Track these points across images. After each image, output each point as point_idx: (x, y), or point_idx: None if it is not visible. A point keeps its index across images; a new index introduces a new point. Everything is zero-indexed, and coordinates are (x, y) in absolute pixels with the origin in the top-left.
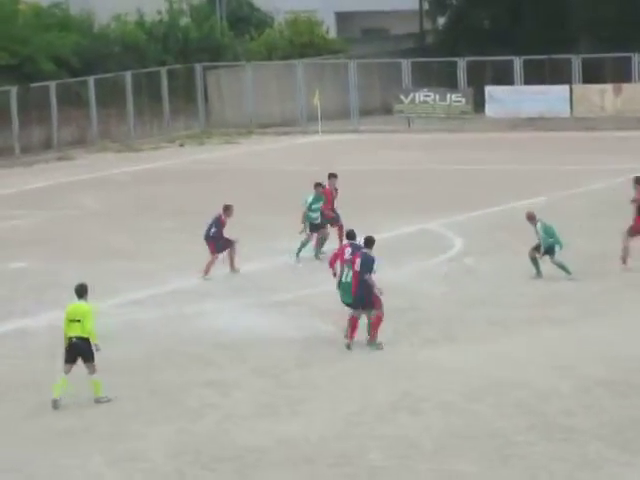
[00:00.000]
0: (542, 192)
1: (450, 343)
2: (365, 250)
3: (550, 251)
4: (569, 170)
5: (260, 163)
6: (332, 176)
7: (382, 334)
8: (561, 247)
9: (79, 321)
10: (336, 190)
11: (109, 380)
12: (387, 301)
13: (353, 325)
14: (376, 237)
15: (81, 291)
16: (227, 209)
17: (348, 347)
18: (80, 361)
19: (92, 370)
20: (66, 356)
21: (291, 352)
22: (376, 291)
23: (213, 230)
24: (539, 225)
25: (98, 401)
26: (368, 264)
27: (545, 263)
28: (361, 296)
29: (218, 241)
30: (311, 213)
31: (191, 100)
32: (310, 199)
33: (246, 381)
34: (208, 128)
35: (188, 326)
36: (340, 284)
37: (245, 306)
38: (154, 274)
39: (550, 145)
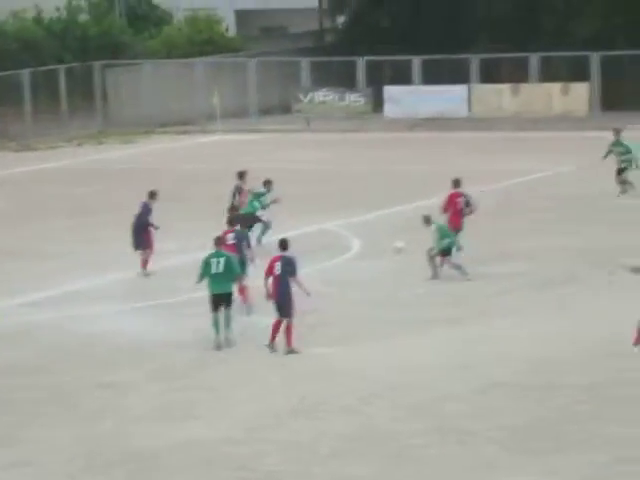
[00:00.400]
0: (439, 192)
1: (348, 345)
2: (283, 253)
3: (446, 252)
4: (467, 170)
5: (159, 163)
6: (242, 174)
7: (283, 337)
8: (457, 248)
9: None
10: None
11: (5, 382)
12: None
13: (276, 328)
14: (274, 237)
15: None
16: (153, 195)
17: (271, 349)
18: None
19: None
20: None
21: (188, 355)
22: (305, 291)
23: (148, 218)
24: (434, 226)
25: None
26: (292, 266)
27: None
28: (283, 301)
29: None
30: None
31: (90, 99)
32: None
33: (142, 384)
34: (107, 127)
35: (84, 328)
36: (211, 276)
37: (141, 308)
38: (49, 275)
39: (448, 145)
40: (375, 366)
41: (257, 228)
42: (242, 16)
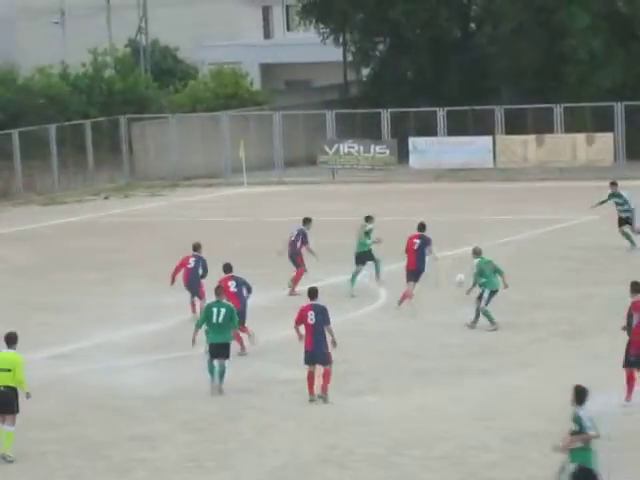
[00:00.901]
0: (467, 242)
1: (377, 395)
2: (315, 302)
3: (483, 294)
4: (493, 220)
5: (185, 215)
6: (307, 221)
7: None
8: (492, 289)
9: (9, 370)
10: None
11: (35, 435)
12: None
13: (311, 379)
14: (303, 288)
15: (10, 340)
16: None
17: (312, 400)
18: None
19: (12, 422)
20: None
21: (217, 405)
22: (330, 343)
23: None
24: (477, 261)
25: (4, 458)
26: (325, 315)
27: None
28: (320, 350)
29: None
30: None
31: (116, 152)
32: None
33: (173, 435)
34: (133, 181)
35: (113, 380)
36: (211, 325)
37: (171, 360)
38: (79, 328)
39: (474, 195)
40: (403, 415)
41: (368, 266)
42: (267, 70)
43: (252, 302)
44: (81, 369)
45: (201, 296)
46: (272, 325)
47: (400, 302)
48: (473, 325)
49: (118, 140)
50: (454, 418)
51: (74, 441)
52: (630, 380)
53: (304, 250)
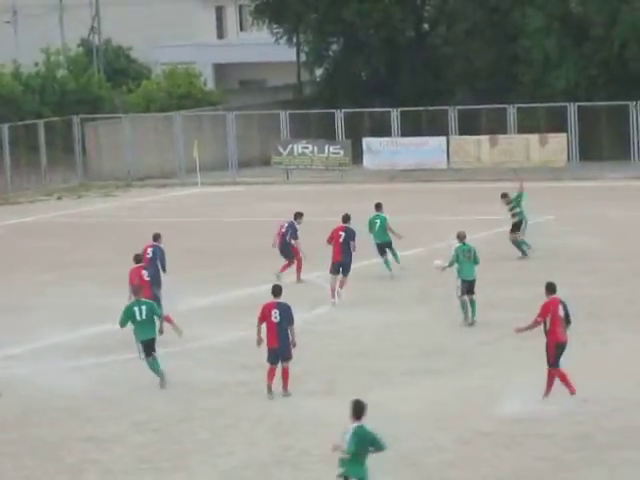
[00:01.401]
0: (420, 243)
1: (331, 395)
2: (278, 300)
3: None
4: (447, 221)
5: (138, 216)
6: (298, 215)
7: (264, 389)
8: (463, 278)
9: None
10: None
11: None
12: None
13: (272, 375)
14: (254, 290)
15: None
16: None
17: (270, 398)
18: None
19: None
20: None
21: (171, 406)
22: (290, 343)
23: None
24: (456, 246)
25: None
26: (289, 314)
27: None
28: (283, 346)
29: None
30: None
31: (69, 152)
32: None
33: (126, 436)
34: (86, 181)
35: (65, 381)
36: (137, 324)
37: (123, 361)
38: (30, 328)
39: (428, 196)
40: None
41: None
42: (220, 70)
43: (207, 302)
44: (32, 370)
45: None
46: (226, 326)
47: (333, 298)
48: (471, 322)
49: (71, 140)
50: (408, 419)
51: (26, 442)
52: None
53: (293, 243)
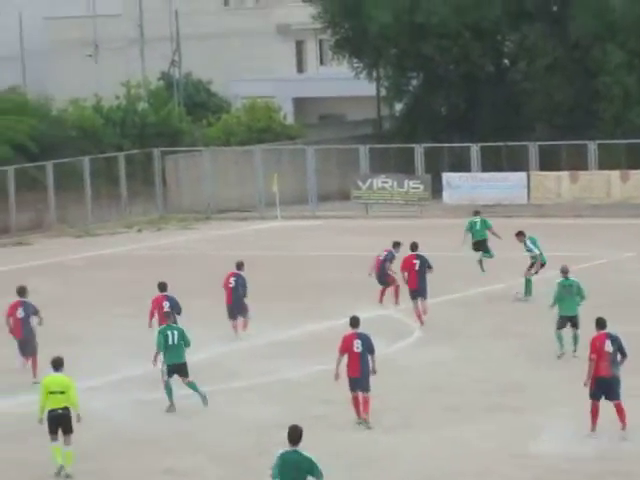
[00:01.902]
0: (500, 278)
1: (408, 430)
2: (358, 331)
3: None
4: (526, 256)
5: (217, 249)
6: (397, 245)
7: (342, 423)
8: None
9: (62, 392)
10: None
11: (76, 465)
12: (346, 389)
13: (357, 403)
14: (332, 323)
15: (58, 363)
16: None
17: (360, 423)
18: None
19: (69, 442)
20: (50, 427)
21: (250, 439)
22: (371, 371)
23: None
24: (558, 281)
25: (66, 476)
26: (370, 344)
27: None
28: (365, 376)
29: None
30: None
31: (149, 185)
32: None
33: (204, 469)
34: (166, 213)
35: (143, 413)
36: (168, 347)
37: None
38: (109, 360)
39: (507, 231)
40: (435, 451)
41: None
42: (300, 104)
43: (284, 336)
44: (110, 402)
45: (245, 313)
46: (304, 360)
47: (421, 321)
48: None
49: (151, 173)
50: (485, 454)
51: (105, 474)
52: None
53: (390, 272)
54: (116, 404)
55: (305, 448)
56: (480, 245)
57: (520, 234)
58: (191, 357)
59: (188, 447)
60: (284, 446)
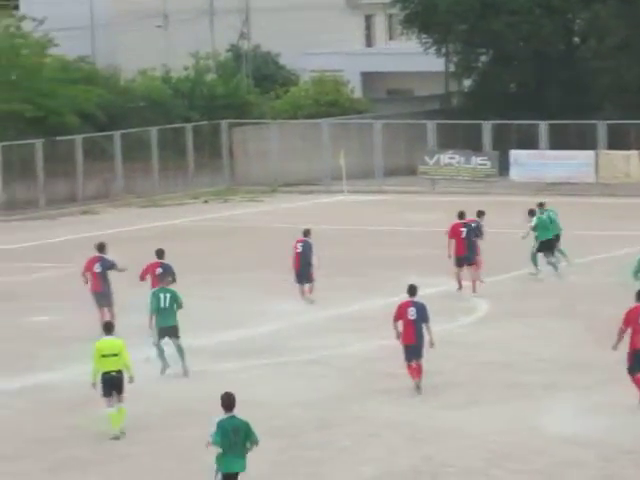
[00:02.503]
0: (570, 256)
1: (472, 407)
2: (414, 299)
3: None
4: (593, 235)
5: (282, 222)
6: (481, 214)
7: (406, 398)
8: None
9: (116, 355)
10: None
11: (128, 436)
12: None
13: (414, 370)
14: (396, 299)
15: (110, 327)
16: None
17: (418, 387)
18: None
19: (122, 399)
20: (105, 390)
21: (311, 413)
22: (428, 343)
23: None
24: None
25: (119, 435)
26: (425, 313)
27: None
28: (419, 344)
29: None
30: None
31: (216, 157)
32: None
33: (264, 441)
34: (232, 185)
35: (206, 384)
36: (159, 310)
37: (265, 365)
38: None
39: (574, 210)
40: (499, 428)
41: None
42: (368, 78)
43: (349, 310)
44: (174, 372)
45: (311, 280)
46: (368, 334)
47: (474, 289)
48: None
49: (218, 145)
50: (550, 433)
51: (167, 442)
52: None
53: (479, 241)
54: (179, 374)
55: (373, 419)
56: (554, 242)
57: (540, 205)
58: (256, 329)
59: (250, 420)
60: (346, 421)
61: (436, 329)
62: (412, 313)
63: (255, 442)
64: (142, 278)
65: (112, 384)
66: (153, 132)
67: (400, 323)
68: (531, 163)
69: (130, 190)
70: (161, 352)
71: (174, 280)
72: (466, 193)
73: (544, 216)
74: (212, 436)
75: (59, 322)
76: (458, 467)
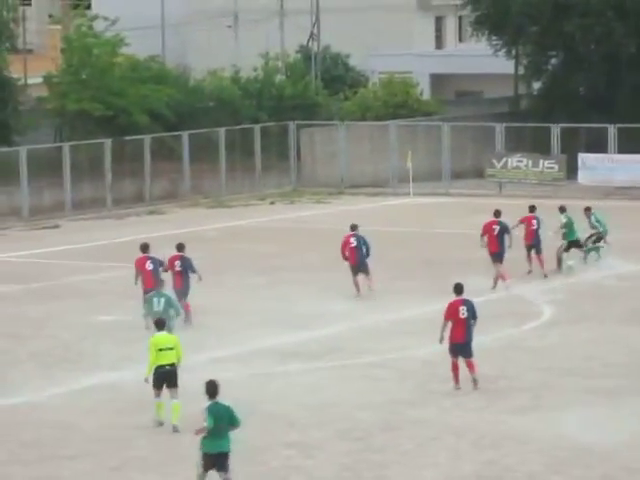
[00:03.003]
0: (631, 260)
1: (537, 412)
2: (464, 297)
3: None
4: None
5: (348, 223)
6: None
7: (469, 402)
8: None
9: (171, 349)
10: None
11: (189, 436)
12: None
13: (457, 369)
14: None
15: (162, 323)
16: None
17: (458, 389)
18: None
19: (176, 395)
20: (156, 383)
21: (376, 416)
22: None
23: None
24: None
25: (176, 429)
26: (475, 310)
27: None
28: (469, 342)
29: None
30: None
31: (283, 158)
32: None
33: (330, 443)
34: (299, 187)
35: (271, 385)
36: (154, 313)
37: (329, 368)
38: (238, 332)
39: None
40: (564, 433)
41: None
42: (437, 80)
43: (412, 313)
44: (238, 373)
45: (368, 271)
46: (431, 338)
47: (494, 284)
48: None
49: (286, 146)
50: (616, 439)
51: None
52: None
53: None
54: (244, 376)
55: (437, 423)
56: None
57: (588, 209)
58: (320, 331)
59: (315, 421)
60: (409, 424)
61: (501, 334)
62: (463, 311)
63: (237, 425)
64: (166, 270)
65: (165, 377)
66: (221, 132)
67: (450, 322)
68: (599, 167)
69: (197, 190)
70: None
71: (199, 277)
72: (533, 196)
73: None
74: (206, 420)
75: (125, 322)
76: (521, 472)
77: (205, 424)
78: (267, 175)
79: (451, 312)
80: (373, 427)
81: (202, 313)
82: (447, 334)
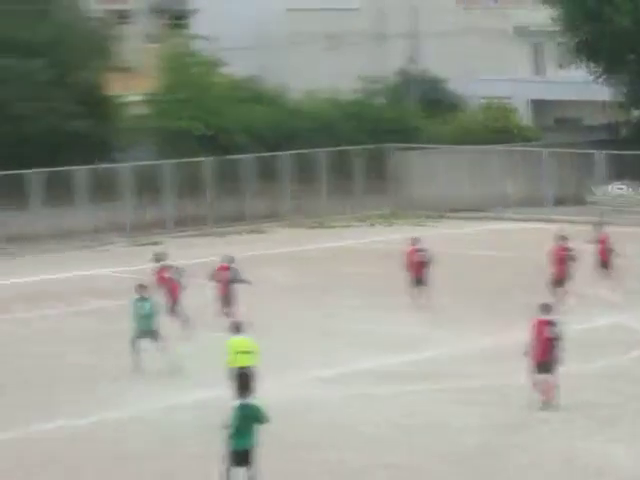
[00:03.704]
0: None
1: (638, 444)
2: (551, 317)
3: None
4: None
5: (447, 247)
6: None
7: (568, 429)
8: None
9: (250, 352)
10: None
11: (293, 455)
12: (578, 396)
13: (546, 388)
14: (568, 328)
15: (240, 327)
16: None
17: (545, 408)
18: None
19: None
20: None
21: (476, 440)
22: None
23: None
24: None
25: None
26: (561, 330)
27: None
28: (553, 361)
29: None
30: None
31: (382, 180)
32: None
33: (428, 467)
34: (398, 209)
35: (370, 407)
36: (140, 316)
37: (422, 390)
38: (337, 352)
39: None
40: None
41: None
42: (537, 106)
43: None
44: (339, 394)
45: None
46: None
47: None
48: None
49: (384, 168)
50: None
51: (322, 465)
52: None
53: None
54: (343, 396)
55: (538, 449)
56: None
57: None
58: (418, 354)
59: (410, 443)
60: (508, 450)
61: (605, 362)
62: (550, 331)
63: (265, 422)
64: (211, 279)
65: (245, 378)
66: (322, 154)
67: (535, 341)
68: None
69: (298, 211)
70: (137, 351)
71: (246, 282)
72: (635, 224)
73: None
74: (231, 420)
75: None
76: None
77: (229, 423)
78: (366, 197)
79: (538, 331)
80: (472, 451)
81: (298, 331)
82: (532, 352)
